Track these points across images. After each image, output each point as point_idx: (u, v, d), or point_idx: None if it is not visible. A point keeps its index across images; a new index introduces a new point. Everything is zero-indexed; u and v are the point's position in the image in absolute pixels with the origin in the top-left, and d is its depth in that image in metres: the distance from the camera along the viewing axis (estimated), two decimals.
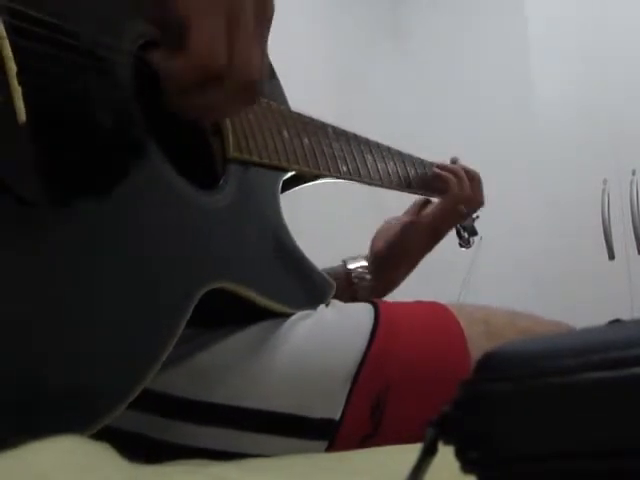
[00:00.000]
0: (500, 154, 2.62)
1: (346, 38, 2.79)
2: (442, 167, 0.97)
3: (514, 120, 2.61)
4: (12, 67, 0.40)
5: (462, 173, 0.96)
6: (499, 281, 2.48)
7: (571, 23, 2.41)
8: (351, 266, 0.88)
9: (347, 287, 0.87)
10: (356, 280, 0.86)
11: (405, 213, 0.99)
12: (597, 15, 2.35)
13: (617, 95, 2.27)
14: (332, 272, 0.87)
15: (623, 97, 2.26)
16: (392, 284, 0.92)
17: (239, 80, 0.49)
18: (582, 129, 2.34)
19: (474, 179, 0.97)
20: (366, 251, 0.94)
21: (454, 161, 1.01)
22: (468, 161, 1.01)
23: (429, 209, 0.95)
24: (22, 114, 0.40)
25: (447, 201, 0.94)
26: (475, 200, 0.97)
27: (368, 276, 0.88)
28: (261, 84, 0.52)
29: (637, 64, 2.26)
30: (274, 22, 0.53)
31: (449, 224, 0.96)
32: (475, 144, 2.61)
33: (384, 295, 0.91)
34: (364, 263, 0.89)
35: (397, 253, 0.92)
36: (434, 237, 0.95)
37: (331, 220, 2.33)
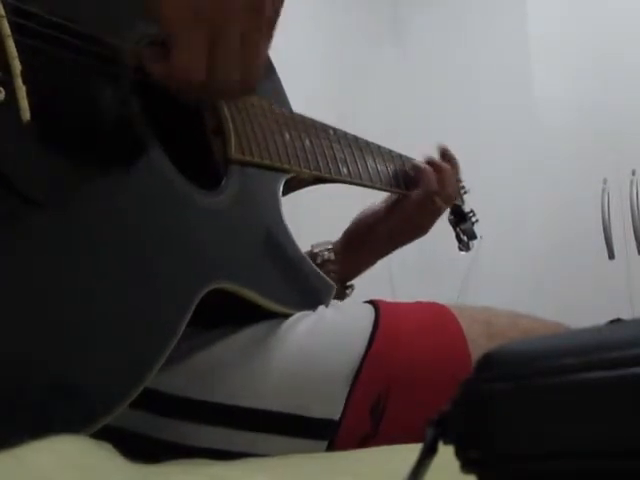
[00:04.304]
0: (500, 154, 2.61)
1: (346, 38, 2.79)
2: (427, 160, 0.89)
3: (514, 120, 2.60)
4: (17, 65, 0.40)
5: (440, 165, 0.88)
6: (499, 281, 2.47)
7: (571, 23, 2.41)
8: (317, 249, 0.86)
9: None
10: (320, 261, 0.85)
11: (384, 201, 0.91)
12: (597, 15, 2.35)
13: (617, 95, 2.27)
14: None
15: (623, 97, 2.26)
16: (355, 268, 0.89)
17: (218, 94, 0.54)
18: (582, 129, 2.34)
19: (442, 171, 0.88)
20: None
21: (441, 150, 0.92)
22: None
23: (406, 202, 0.87)
24: (26, 113, 0.40)
25: (421, 194, 0.86)
26: (447, 194, 0.88)
27: (332, 257, 0.85)
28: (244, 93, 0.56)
29: (637, 64, 2.26)
30: None
31: (425, 218, 0.88)
32: (475, 144, 2.61)
33: (348, 280, 0.88)
34: (329, 246, 0.87)
35: (362, 236, 0.88)
36: (410, 232, 0.89)
37: (331, 222, 2.32)
